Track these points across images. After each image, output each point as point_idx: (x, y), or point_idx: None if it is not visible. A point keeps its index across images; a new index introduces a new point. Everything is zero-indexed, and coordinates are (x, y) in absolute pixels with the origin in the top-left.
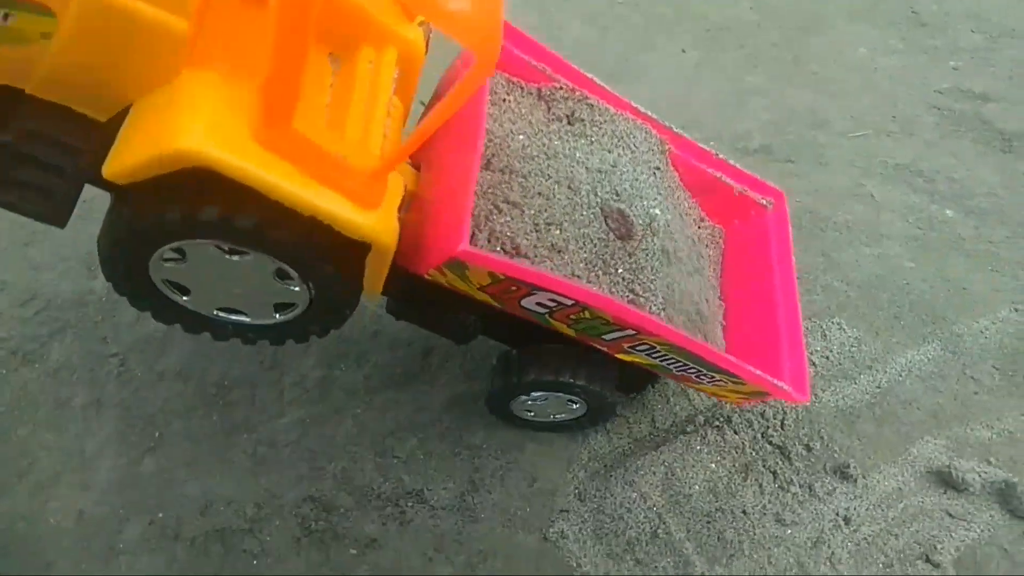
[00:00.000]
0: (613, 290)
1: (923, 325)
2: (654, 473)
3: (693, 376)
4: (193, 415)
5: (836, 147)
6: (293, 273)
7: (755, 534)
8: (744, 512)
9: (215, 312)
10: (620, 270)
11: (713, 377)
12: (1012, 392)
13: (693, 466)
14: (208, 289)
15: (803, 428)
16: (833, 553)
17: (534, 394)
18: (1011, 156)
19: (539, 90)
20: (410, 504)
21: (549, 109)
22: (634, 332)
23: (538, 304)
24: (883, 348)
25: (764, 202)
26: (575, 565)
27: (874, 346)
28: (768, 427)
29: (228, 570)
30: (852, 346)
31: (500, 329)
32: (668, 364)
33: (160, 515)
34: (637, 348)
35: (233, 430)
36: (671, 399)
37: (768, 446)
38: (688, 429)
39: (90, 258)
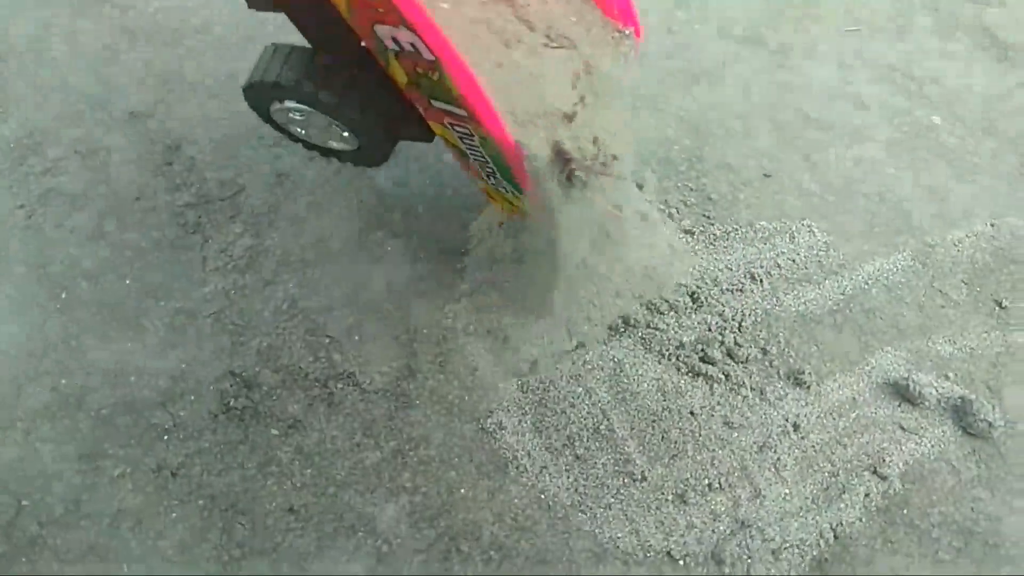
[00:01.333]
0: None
1: (896, 234)
2: (602, 368)
3: (484, 174)
4: (104, 277)
5: (828, 41)
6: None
7: (700, 435)
8: (692, 413)
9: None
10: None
11: (500, 182)
12: (978, 308)
13: (643, 363)
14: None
15: (760, 331)
16: (779, 459)
17: (289, 104)
18: (1006, 65)
19: None
20: (340, 386)
21: None
22: (469, 117)
23: (393, 39)
24: (852, 254)
25: None
26: (511, 456)
27: (843, 252)
28: (725, 328)
29: (135, 444)
30: (820, 250)
31: (307, 20)
32: (473, 154)
33: (63, 382)
34: (456, 128)
35: (147, 295)
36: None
37: (722, 346)
38: (641, 326)
39: (1, 101)
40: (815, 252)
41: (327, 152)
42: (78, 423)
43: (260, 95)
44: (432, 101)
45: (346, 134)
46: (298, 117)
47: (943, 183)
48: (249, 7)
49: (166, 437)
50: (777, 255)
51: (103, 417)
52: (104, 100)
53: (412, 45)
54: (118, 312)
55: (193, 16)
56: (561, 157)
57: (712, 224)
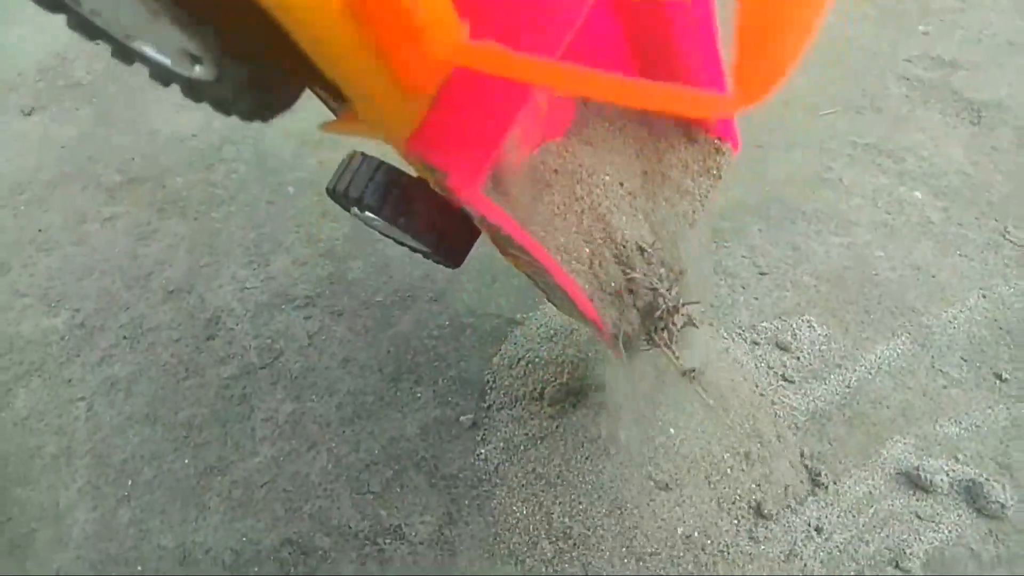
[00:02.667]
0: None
1: (892, 317)
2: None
3: (548, 296)
4: (164, 460)
5: (805, 128)
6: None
7: (729, 554)
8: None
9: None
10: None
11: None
12: (979, 384)
13: None
14: None
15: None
16: (805, 565)
17: (369, 214)
18: (979, 129)
19: None
20: (388, 541)
21: None
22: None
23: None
24: (852, 344)
25: None
26: None
27: (844, 343)
28: None
29: None
30: (822, 344)
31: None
32: (544, 284)
33: (139, 568)
34: (529, 270)
35: (206, 473)
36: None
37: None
38: None
39: (50, 294)
40: (817, 347)
41: (403, 244)
42: None
43: (341, 202)
44: (510, 251)
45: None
46: (377, 224)
47: (932, 259)
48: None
49: None
50: (782, 354)
51: None
52: (143, 279)
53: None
54: (181, 493)
55: (218, 188)
56: (646, 330)
57: (718, 332)
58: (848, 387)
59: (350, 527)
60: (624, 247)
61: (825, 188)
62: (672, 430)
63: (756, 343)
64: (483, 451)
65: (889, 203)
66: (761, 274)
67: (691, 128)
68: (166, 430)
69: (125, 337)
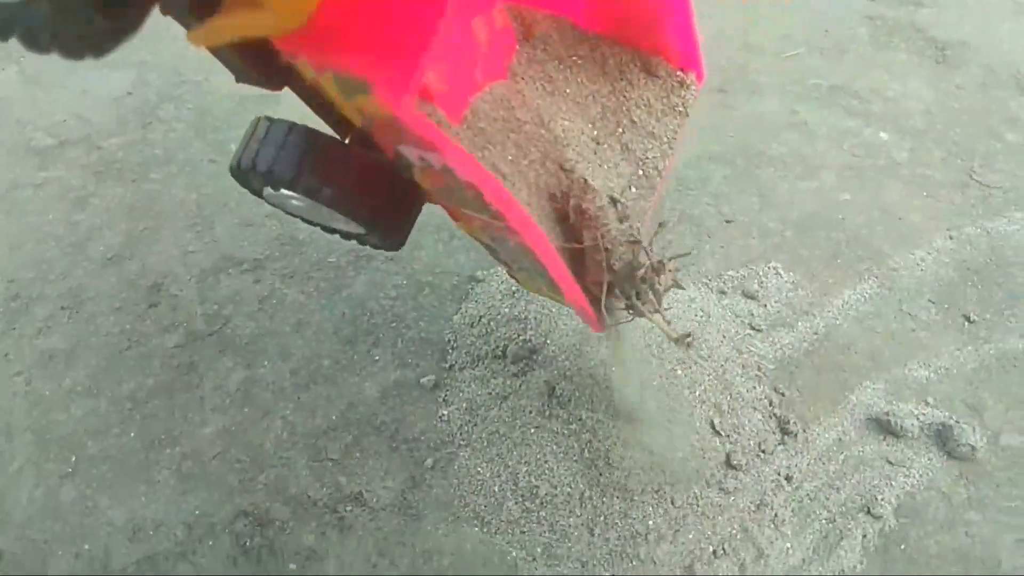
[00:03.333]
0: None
1: (859, 262)
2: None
3: (514, 267)
4: (108, 434)
5: (769, 71)
6: None
7: (698, 507)
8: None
9: None
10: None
11: (534, 277)
12: (948, 326)
13: None
14: None
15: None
16: (776, 515)
17: (286, 192)
18: (944, 67)
19: None
20: (349, 508)
21: None
22: (507, 228)
23: (419, 158)
24: (820, 290)
25: None
26: (520, 556)
27: (811, 289)
28: None
29: None
30: (789, 291)
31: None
32: (503, 250)
33: (86, 546)
34: (489, 231)
35: (154, 446)
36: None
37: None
38: None
39: None
40: (784, 294)
41: (333, 231)
42: None
43: (249, 179)
44: (464, 210)
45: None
46: (296, 203)
47: (898, 202)
48: (238, 81)
49: None
50: (748, 302)
51: None
52: (80, 246)
53: (444, 167)
54: (127, 467)
55: (156, 148)
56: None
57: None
58: (816, 334)
59: (308, 496)
60: (595, 200)
61: (790, 132)
62: (639, 383)
63: (723, 292)
64: (445, 412)
65: (855, 145)
66: (727, 222)
67: (649, 61)
68: (110, 403)
69: (63, 307)
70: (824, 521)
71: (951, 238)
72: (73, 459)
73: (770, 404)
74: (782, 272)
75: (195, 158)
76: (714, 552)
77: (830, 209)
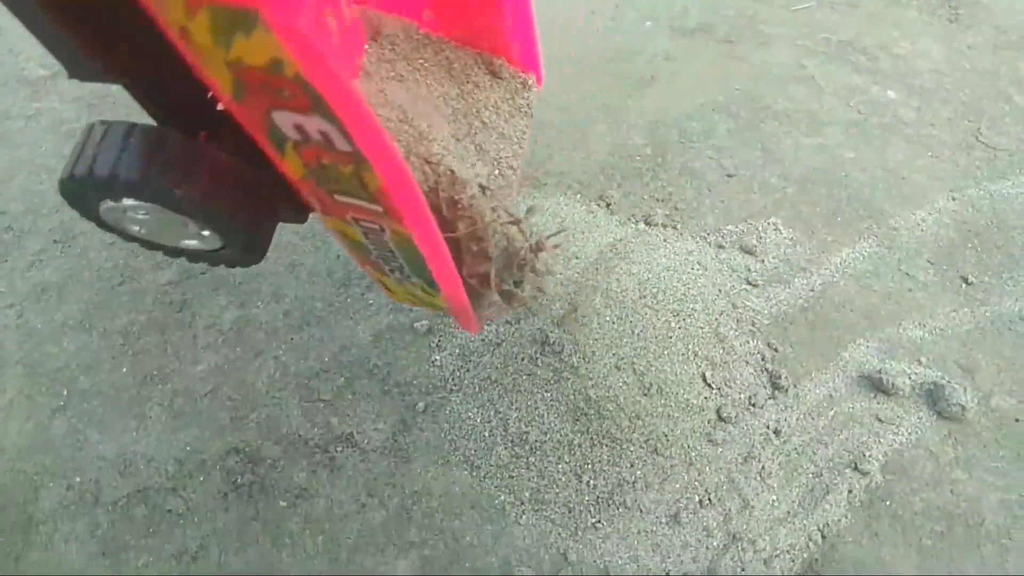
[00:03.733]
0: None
1: (859, 220)
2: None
3: (385, 268)
4: (100, 368)
5: (778, 23)
6: None
7: (687, 458)
8: (681, 434)
9: None
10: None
11: (408, 276)
12: (945, 287)
13: None
14: None
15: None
16: (763, 467)
17: (127, 202)
18: (956, 26)
19: None
20: (339, 449)
21: None
22: (385, 214)
23: (295, 127)
24: (818, 247)
25: None
26: (508, 500)
27: (809, 246)
28: None
29: (153, 533)
30: (788, 248)
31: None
32: (378, 250)
33: (77, 479)
34: (363, 223)
35: (145, 382)
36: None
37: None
38: None
39: None
40: (783, 250)
41: (178, 254)
42: (97, 518)
43: (85, 192)
44: (335, 195)
45: (207, 233)
46: (140, 216)
47: (902, 161)
48: (70, 77)
49: (182, 522)
50: (745, 256)
51: (120, 509)
52: None
53: (322, 134)
54: (119, 402)
55: None
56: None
57: (683, 235)
58: (812, 291)
59: (300, 435)
60: (466, 189)
61: (797, 86)
62: (636, 335)
63: (721, 246)
64: (438, 358)
65: (862, 102)
66: (728, 176)
67: (492, 63)
68: (102, 338)
69: (55, 241)
70: (811, 475)
71: (953, 199)
72: (65, 393)
73: (763, 359)
74: (781, 228)
75: None
76: (700, 502)
77: (833, 166)
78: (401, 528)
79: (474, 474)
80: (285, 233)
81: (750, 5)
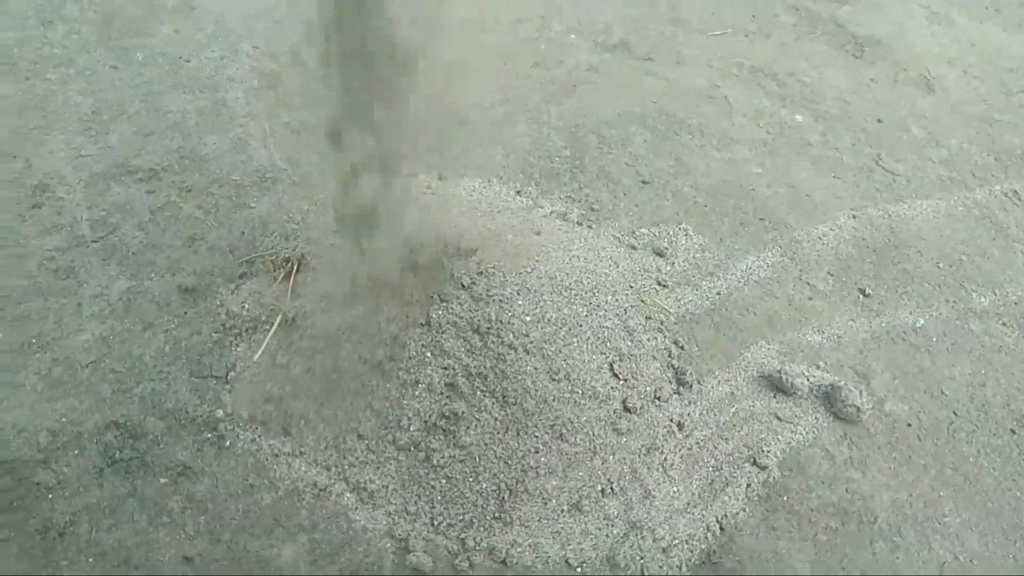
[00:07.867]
0: None
1: (765, 231)
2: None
3: None
4: None
5: (695, 46)
6: None
7: (592, 444)
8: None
9: None
10: None
11: None
12: (844, 297)
13: None
14: None
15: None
16: (666, 459)
17: None
18: (860, 61)
19: None
20: (229, 427)
21: None
22: None
23: None
24: (725, 254)
25: None
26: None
27: (717, 252)
28: None
29: (17, 506)
30: (697, 252)
31: None
32: None
33: None
34: None
35: (22, 349)
36: None
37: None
38: None
39: None
40: (692, 255)
41: None
42: None
43: None
44: None
45: None
46: None
47: (807, 179)
48: None
49: (51, 496)
50: (657, 258)
51: None
52: None
53: None
54: None
55: (56, 48)
56: None
57: (599, 234)
58: (718, 294)
59: (187, 411)
60: None
61: (710, 104)
62: (547, 321)
63: (634, 247)
64: None
65: (771, 124)
66: (643, 183)
67: None
68: None
69: None
70: (711, 468)
71: (854, 217)
72: None
73: (669, 355)
74: (692, 234)
75: (96, 62)
76: (602, 490)
77: (742, 180)
78: (291, 511)
79: None
80: (187, 206)
81: (669, 28)
